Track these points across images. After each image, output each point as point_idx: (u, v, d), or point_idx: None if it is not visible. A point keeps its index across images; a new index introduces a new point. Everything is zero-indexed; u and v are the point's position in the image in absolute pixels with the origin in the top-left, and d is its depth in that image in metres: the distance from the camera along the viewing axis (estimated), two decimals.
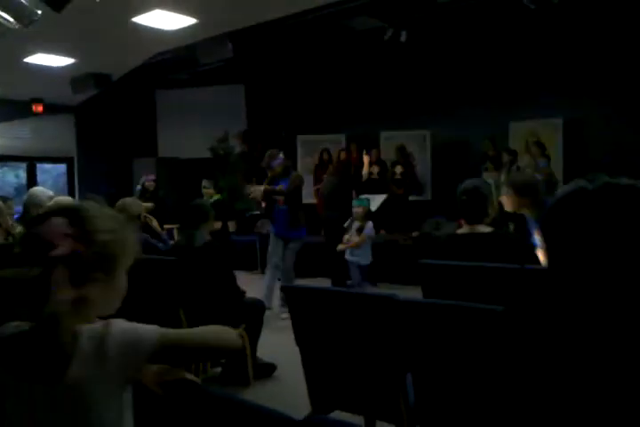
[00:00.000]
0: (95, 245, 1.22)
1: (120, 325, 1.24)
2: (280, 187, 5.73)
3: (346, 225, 6.66)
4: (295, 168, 10.40)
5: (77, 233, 1.20)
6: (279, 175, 5.80)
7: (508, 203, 3.60)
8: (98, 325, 1.23)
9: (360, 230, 6.50)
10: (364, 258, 6.46)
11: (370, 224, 6.56)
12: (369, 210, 6.84)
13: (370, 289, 6.40)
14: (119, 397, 1.23)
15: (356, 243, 6.43)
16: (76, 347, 1.18)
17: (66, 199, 4.54)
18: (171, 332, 1.27)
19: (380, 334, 2.42)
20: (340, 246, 6.52)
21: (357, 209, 6.60)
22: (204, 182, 8.80)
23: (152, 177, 9.13)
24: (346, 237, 6.54)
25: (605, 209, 1.01)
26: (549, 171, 7.95)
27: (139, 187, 8.99)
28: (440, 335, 2.26)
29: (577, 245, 1.03)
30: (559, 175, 8.27)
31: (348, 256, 6.49)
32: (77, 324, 1.20)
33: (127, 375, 1.23)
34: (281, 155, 5.87)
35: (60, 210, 1.25)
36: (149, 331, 1.24)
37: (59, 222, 1.21)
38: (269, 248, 6.01)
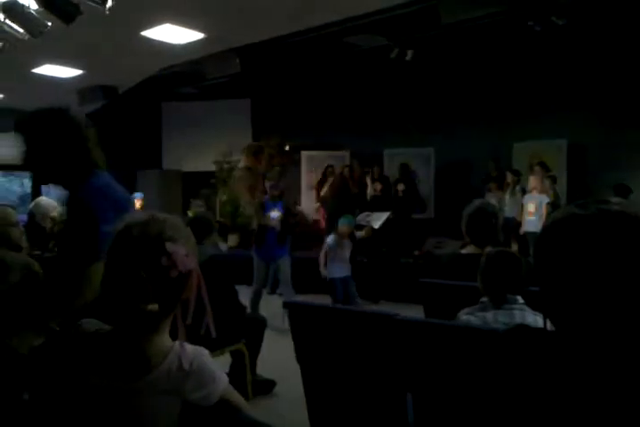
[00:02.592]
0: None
1: (207, 357, 1.37)
2: (278, 213, 5.87)
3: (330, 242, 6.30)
4: (299, 184, 10.47)
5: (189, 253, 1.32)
6: (274, 198, 6.06)
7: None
8: (189, 347, 1.35)
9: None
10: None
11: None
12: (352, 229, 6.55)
13: (362, 305, 6.34)
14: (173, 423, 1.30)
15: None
16: (164, 359, 1.30)
17: None
18: (230, 390, 1.39)
19: (380, 352, 2.40)
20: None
21: (342, 228, 6.20)
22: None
23: None
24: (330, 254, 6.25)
25: (595, 235, 1.01)
26: (555, 192, 7.94)
27: None
28: (440, 356, 2.24)
29: (566, 270, 1.03)
30: (563, 197, 8.28)
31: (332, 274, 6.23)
32: (165, 338, 1.34)
33: (187, 402, 1.31)
34: (281, 184, 6.26)
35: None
36: (223, 380, 1.36)
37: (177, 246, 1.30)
38: (255, 273, 6.09)
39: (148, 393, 1.27)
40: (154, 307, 1.26)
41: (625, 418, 0.96)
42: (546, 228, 1.11)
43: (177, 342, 1.35)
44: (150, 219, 1.33)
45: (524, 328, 1.20)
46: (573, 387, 1.02)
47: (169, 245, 1.27)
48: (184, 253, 1.28)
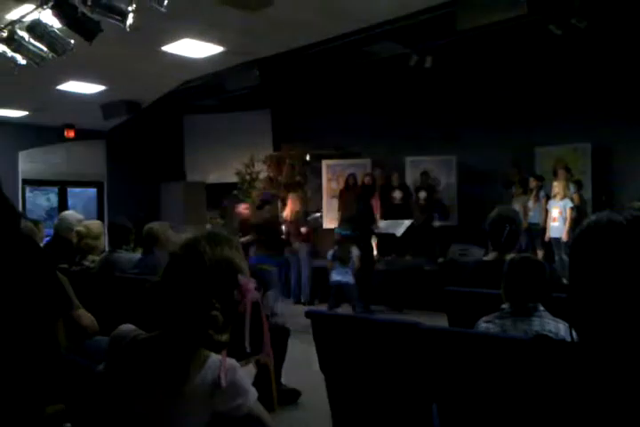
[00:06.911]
0: None
1: (240, 370, 1.39)
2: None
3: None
4: (320, 192, 10.50)
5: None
6: None
7: None
8: (227, 360, 1.37)
9: None
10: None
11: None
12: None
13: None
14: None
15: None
16: (201, 370, 1.34)
17: (95, 223, 4.61)
18: (257, 404, 1.42)
19: (404, 362, 2.39)
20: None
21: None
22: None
23: None
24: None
25: (633, 242, 0.99)
26: (580, 197, 7.83)
27: None
28: (465, 365, 2.22)
29: (603, 275, 1.02)
30: (588, 202, 8.15)
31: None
32: (205, 351, 1.38)
33: (217, 413, 1.34)
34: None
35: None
36: (252, 394, 1.40)
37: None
38: None
39: (182, 402, 1.30)
40: (225, 338, 1.33)
41: None
42: (581, 232, 1.08)
43: (213, 355, 1.38)
44: (217, 242, 1.36)
45: (544, 339, 1.18)
46: (595, 396, 1.00)
47: (240, 278, 1.32)
48: (253, 286, 1.33)
